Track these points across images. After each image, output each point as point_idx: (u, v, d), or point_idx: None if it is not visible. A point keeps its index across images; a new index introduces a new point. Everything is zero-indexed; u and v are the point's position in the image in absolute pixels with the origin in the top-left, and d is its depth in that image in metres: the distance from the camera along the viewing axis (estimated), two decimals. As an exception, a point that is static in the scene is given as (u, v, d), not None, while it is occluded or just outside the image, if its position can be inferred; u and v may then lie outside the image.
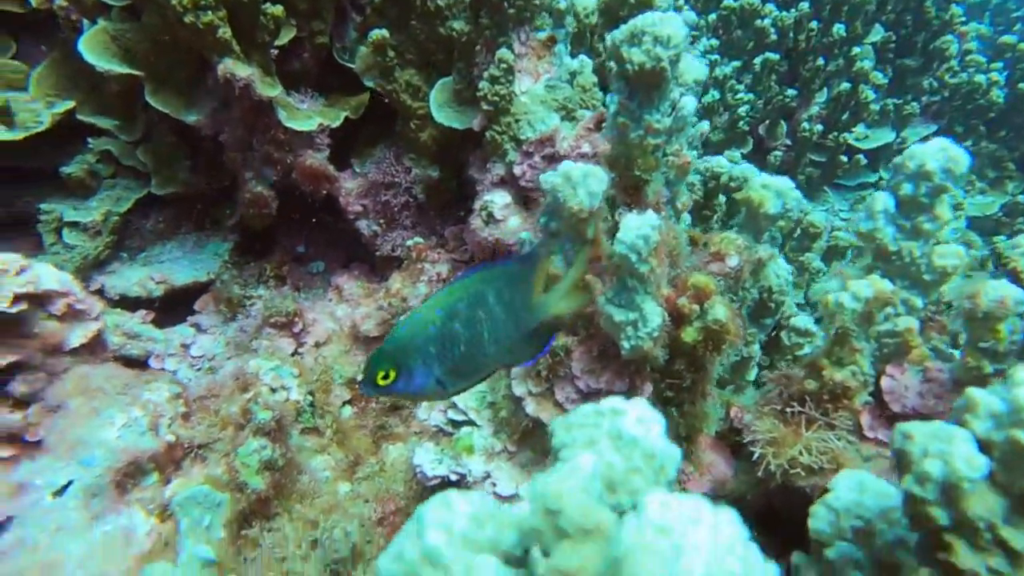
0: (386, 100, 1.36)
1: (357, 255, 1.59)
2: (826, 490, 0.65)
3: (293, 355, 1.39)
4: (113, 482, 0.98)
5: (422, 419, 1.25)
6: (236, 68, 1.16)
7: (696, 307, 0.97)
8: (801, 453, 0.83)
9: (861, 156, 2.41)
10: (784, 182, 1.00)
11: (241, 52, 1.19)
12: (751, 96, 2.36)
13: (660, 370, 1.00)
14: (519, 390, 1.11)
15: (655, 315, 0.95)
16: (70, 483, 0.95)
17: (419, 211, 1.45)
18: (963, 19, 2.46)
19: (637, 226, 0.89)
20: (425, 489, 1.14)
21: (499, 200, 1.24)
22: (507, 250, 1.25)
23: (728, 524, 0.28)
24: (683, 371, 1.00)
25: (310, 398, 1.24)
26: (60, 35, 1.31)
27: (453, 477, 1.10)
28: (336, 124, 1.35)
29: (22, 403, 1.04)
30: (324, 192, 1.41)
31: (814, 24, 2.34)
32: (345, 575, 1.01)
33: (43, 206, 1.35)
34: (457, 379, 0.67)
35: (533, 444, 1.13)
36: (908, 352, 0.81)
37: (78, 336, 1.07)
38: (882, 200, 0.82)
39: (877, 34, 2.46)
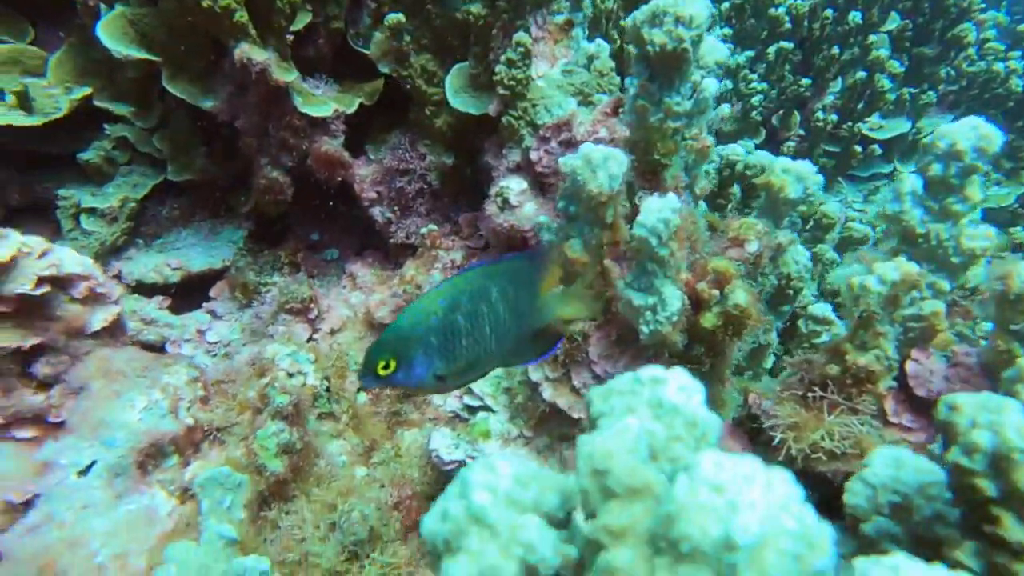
0: (402, 86, 1.35)
1: (371, 242, 1.59)
2: (849, 474, 0.64)
3: (308, 341, 1.40)
4: (135, 463, 0.99)
5: (437, 405, 1.26)
6: (253, 53, 1.16)
7: (716, 292, 0.96)
8: (823, 438, 0.83)
9: (876, 147, 2.38)
10: (806, 166, 0.99)
11: (257, 37, 1.19)
12: (764, 86, 2.33)
13: (678, 355, 0.99)
14: (536, 376, 1.11)
15: (675, 299, 0.94)
16: (93, 463, 0.96)
17: (433, 198, 1.45)
18: (982, 7, 2.42)
19: (658, 209, 0.89)
20: (441, 474, 1.15)
21: (515, 186, 1.24)
22: (522, 236, 1.24)
23: (782, 483, 0.28)
24: (702, 357, 0.99)
25: (326, 383, 1.25)
26: (77, 21, 1.32)
27: (469, 462, 1.11)
28: (351, 110, 1.35)
29: (45, 385, 1.05)
30: (339, 179, 1.41)
31: (829, 12, 2.31)
32: (363, 557, 1.02)
33: (62, 192, 1.36)
34: (457, 373, 0.65)
35: (550, 429, 1.13)
36: (934, 336, 0.80)
37: (99, 319, 1.08)
38: (910, 181, 0.81)
39: (894, 22, 2.42)
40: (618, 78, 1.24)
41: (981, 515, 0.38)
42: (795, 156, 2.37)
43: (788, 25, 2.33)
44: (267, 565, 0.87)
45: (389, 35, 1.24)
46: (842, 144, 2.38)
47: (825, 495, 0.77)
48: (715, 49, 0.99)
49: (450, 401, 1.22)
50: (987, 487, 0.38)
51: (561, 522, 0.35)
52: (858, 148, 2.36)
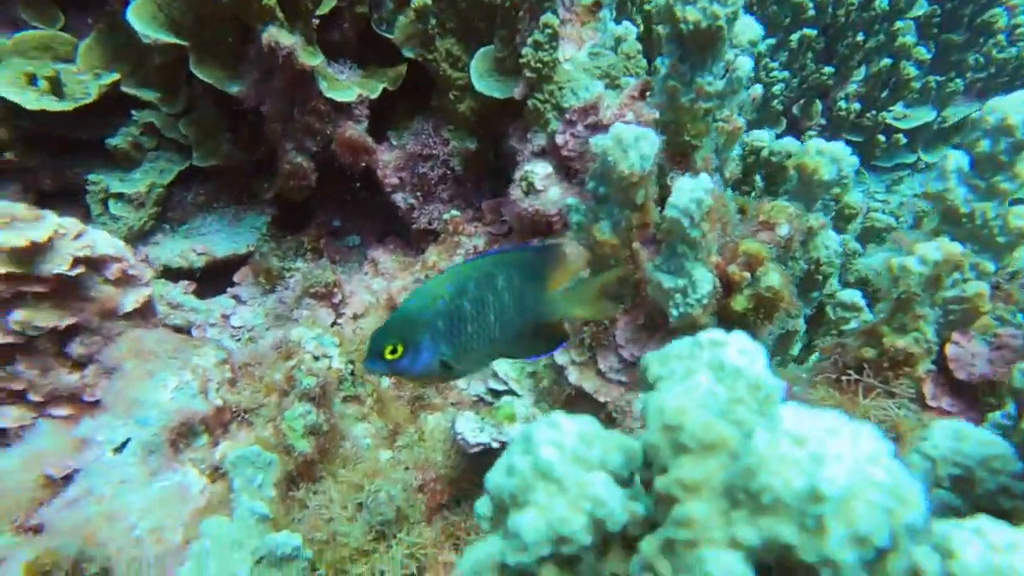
0: (426, 71, 1.35)
1: (392, 229, 1.60)
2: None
3: (332, 326, 1.41)
4: (168, 441, 1.01)
5: (461, 389, 1.26)
6: (281, 36, 1.16)
7: (747, 275, 0.95)
8: (858, 421, 0.81)
9: (900, 135, 2.34)
10: (840, 148, 0.97)
11: (284, 21, 1.19)
12: (786, 74, 2.30)
13: (708, 339, 0.98)
14: (561, 359, 1.10)
15: (706, 281, 0.93)
16: (128, 440, 0.98)
17: (456, 184, 1.45)
18: (1013, -9, 2.35)
19: (690, 189, 0.87)
20: (465, 457, 1.15)
21: (540, 170, 1.23)
22: (547, 221, 1.24)
23: (869, 437, 0.27)
24: (732, 340, 0.98)
25: (351, 367, 1.26)
26: (106, 7, 1.33)
27: (495, 445, 1.11)
28: (374, 95, 1.35)
29: (79, 365, 1.07)
30: (362, 164, 1.41)
31: (855, -2, 2.26)
32: (390, 536, 1.03)
33: (91, 177, 1.38)
34: (462, 360, 0.64)
35: (575, 413, 1.13)
36: (976, 319, 0.78)
37: (131, 301, 1.09)
38: (955, 158, 0.79)
39: (921, 8, 2.37)
40: (645, 61, 1.22)
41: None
42: (817, 146, 2.33)
43: (812, 12, 2.29)
44: (299, 541, 0.88)
45: (414, 18, 1.24)
46: (865, 133, 2.34)
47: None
48: (749, 27, 0.97)
49: (474, 385, 1.23)
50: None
51: (625, 481, 0.35)
52: (882, 137, 2.32)
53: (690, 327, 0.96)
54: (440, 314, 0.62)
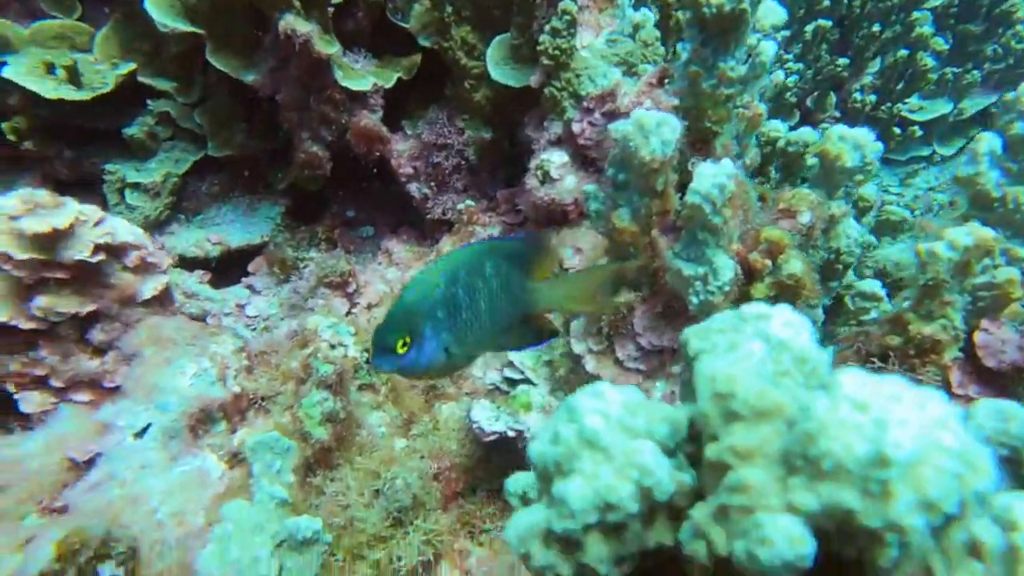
0: (442, 60, 1.34)
1: (407, 219, 1.60)
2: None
3: (346, 315, 1.41)
4: (187, 426, 1.01)
5: (476, 378, 1.26)
6: (297, 24, 1.16)
7: (768, 262, 0.94)
8: (883, 409, 0.81)
9: (916, 128, 2.31)
10: (864, 133, 0.96)
11: (301, 9, 1.19)
12: (799, 66, 2.27)
13: (728, 327, 0.97)
14: (578, 348, 1.10)
15: (727, 268, 0.92)
16: (149, 426, 0.99)
17: (470, 173, 1.44)
18: (1033, -19, 2.31)
19: (712, 174, 0.87)
20: (480, 445, 1.15)
21: (556, 159, 1.22)
22: (563, 210, 1.23)
23: (936, 403, 0.27)
24: (752, 328, 0.97)
25: (366, 355, 1.26)
26: (123, -4, 1.33)
27: (511, 433, 1.11)
28: (389, 84, 1.35)
29: (99, 351, 1.07)
30: (377, 154, 1.41)
31: (871, -12, 2.23)
32: (407, 523, 1.03)
33: (108, 167, 1.39)
34: (462, 348, 0.64)
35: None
36: (1006, 305, 0.77)
37: (150, 288, 1.10)
38: (987, 140, 0.77)
39: (938, -2, 2.33)
40: (663, 48, 1.21)
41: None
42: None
43: (827, 3, 2.26)
44: (319, 524, 0.88)
45: (430, 6, 1.23)
46: (880, 126, 2.31)
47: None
48: (773, 11, 0.96)
49: (489, 374, 1.22)
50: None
51: (670, 452, 0.34)
52: (897, 130, 2.29)
53: (709, 315, 0.95)
54: (439, 303, 0.62)
